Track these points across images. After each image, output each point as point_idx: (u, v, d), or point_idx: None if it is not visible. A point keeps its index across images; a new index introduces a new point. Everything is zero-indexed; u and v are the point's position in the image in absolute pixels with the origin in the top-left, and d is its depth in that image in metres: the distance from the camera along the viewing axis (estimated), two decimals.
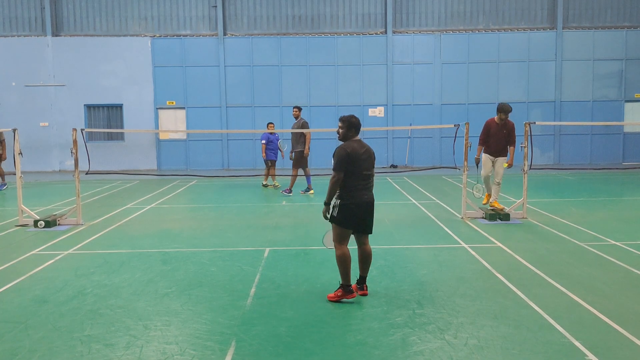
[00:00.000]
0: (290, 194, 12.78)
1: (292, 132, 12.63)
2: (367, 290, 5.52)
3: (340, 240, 5.29)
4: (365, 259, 5.49)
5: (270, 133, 13.98)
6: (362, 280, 5.54)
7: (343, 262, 5.24)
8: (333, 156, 5.30)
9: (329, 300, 5.32)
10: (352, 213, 5.24)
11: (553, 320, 4.71)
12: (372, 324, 4.73)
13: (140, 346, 4.32)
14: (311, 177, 13.24)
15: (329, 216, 5.32)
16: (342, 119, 5.39)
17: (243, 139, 20.32)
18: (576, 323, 4.66)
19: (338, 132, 5.44)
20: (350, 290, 5.28)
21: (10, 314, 5.07)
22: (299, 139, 12.57)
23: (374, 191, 5.50)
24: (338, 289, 5.35)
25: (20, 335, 4.58)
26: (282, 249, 7.53)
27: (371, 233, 5.47)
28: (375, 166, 5.54)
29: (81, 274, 6.34)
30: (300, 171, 12.91)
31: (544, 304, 5.12)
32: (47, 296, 5.58)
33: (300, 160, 12.66)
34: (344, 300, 5.30)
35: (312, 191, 13.01)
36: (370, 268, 6.35)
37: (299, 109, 12.77)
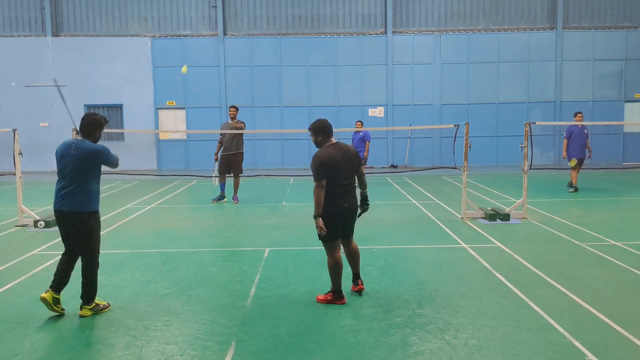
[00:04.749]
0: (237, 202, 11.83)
1: (227, 134, 11.43)
2: (362, 284, 5.50)
3: (331, 250, 5.20)
4: (353, 257, 5.47)
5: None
6: (355, 277, 5.53)
7: (335, 270, 5.20)
8: (310, 168, 5.13)
9: (317, 301, 5.29)
10: (335, 223, 5.13)
11: (553, 320, 4.71)
12: (372, 324, 4.73)
13: (140, 346, 4.31)
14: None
15: (319, 232, 5.09)
16: (309, 128, 5.25)
17: (243, 138, 20.26)
18: (576, 323, 4.66)
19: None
20: (341, 296, 5.23)
21: (10, 314, 5.07)
22: (238, 141, 11.66)
23: (369, 190, 5.43)
24: (328, 292, 5.31)
25: (20, 335, 4.58)
26: (282, 249, 7.52)
27: (352, 236, 5.41)
28: (362, 165, 5.45)
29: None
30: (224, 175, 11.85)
31: (544, 304, 5.11)
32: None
33: (241, 164, 11.74)
34: (333, 304, 5.23)
35: (225, 199, 11.99)
36: (370, 268, 6.38)
37: (237, 108, 11.89)
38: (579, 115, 12.80)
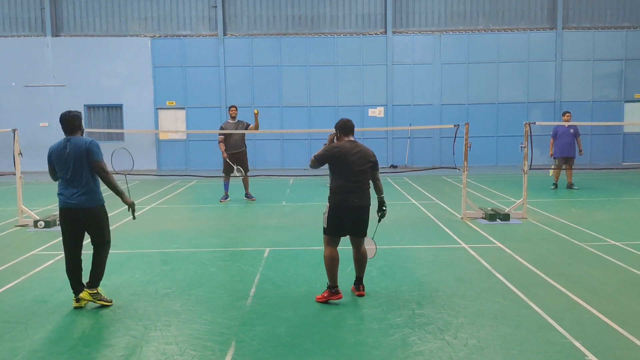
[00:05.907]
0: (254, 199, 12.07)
1: (235, 133, 11.55)
2: (363, 290, 5.49)
3: (328, 242, 5.30)
4: (359, 260, 5.47)
5: None
6: (358, 281, 5.52)
7: (330, 264, 5.23)
8: None
9: (316, 301, 5.30)
10: (341, 219, 5.20)
11: (553, 320, 4.71)
12: (372, 324, 4.73)
13: (140, 346, 4.31)
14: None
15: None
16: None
17: None
18: (576, 323, 4.66)
19: None
20: (336, 291, 5.24)
21: (10, 314, 5.07)
22: (244, 138, 11.95)
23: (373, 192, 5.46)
24: (325, 290, 5.33)
25: (20, 335, 4.58)
26: (282, 249, 7.52)
27: (365, 236, 5.43)
28: (378, 169, 5.50)
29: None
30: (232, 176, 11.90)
31: (544, 304, 5.12)
32: (47, 296, 5.58)
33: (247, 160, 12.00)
34: (331, 301, 5.26)
35: (229, 198, 12.08)
36: (370, 268, 6.37)
37: (237, 108, 12.12)
38: (566, 114, 13.28)
